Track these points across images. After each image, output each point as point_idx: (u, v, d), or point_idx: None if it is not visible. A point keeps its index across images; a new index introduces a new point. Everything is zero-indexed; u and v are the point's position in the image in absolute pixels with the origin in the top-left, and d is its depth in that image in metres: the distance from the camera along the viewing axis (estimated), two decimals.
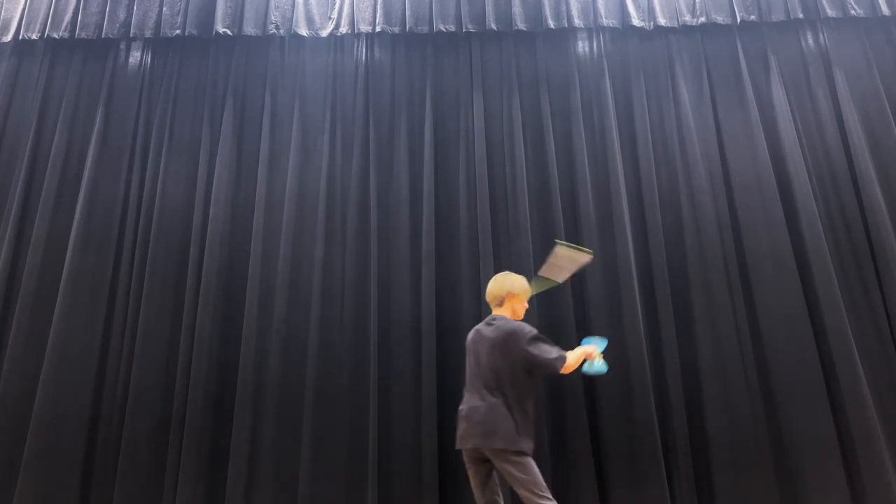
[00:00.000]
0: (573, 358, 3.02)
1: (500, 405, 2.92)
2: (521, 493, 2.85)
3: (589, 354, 3.06)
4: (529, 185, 4.67)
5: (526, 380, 2.98)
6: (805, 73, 4.97)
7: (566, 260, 3.32)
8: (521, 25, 4.92)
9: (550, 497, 2.80)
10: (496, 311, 3.21)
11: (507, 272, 3.32)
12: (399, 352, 4.33)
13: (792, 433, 4.08)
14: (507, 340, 3.00)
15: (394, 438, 4.17)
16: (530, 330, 3.04)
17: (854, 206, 4.56)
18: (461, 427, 3.02)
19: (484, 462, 2.99)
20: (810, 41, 5.06)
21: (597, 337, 3.16)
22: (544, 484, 2.84)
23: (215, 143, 4.84)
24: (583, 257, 3.29)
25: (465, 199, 4.66)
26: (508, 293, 3.18)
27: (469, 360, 3.14)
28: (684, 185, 4.67)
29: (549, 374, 3.08)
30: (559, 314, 4.34)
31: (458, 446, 3.04)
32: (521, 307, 3.22)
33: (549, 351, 3.00)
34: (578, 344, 4.22)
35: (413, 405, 4.21)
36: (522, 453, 2.87)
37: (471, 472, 3.03)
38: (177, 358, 4.34)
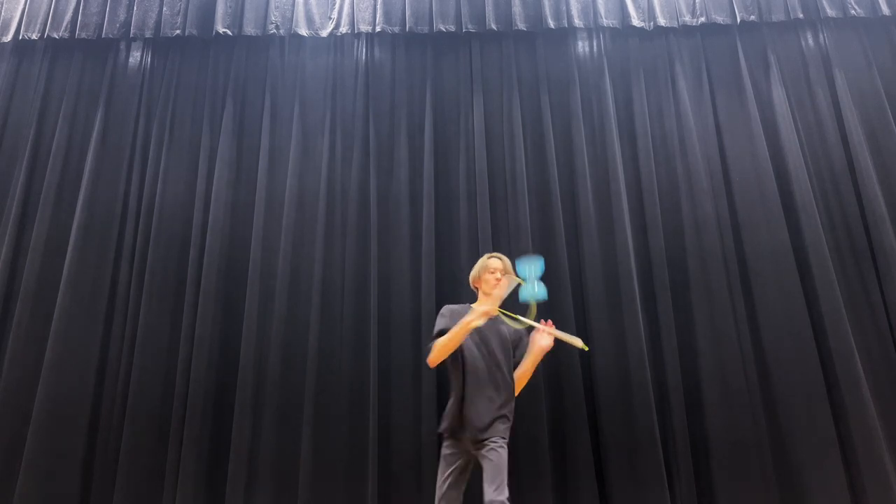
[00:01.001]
0: (443, 340, 2.87)
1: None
2: None
3: (467, 326, 2.80)
4: (529, 185, 4.67)
5: (451, 363, 3.02)
6: (805, 73, 4.97)
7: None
8: (521, 25, 4.92)
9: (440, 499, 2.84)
10: None
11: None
12: (399, 351, 4.33)
13: (792, 433, 4.08)
14: None
15: (394, 438, 4.17)
16: (442, 312, 3.09)
17: (854, 206, 4.56)
18: None
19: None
20: (810, 41, 5.06)
21: (526, 258, 2.90)
22: (443, 482, 2.87)
23: (215, 143, 4.84)
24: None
25: (465, 199, 4.65)
26: (472, 283, 3.28)
27: None
28: (684, 185, 4.67)
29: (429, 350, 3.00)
30: (559, 314, 4.34)
31: None
32: (489, 286, 3.13)
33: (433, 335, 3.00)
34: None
35: (413, 405, 4.21)
36: (441, 436, 2.96)
37: None
38: (177, 358, 4.34)
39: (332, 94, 4.99)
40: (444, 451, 2.94)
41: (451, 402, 3.00)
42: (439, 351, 2.89)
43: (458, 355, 2.99)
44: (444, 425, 2.98)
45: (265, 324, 4.41)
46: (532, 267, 2.87)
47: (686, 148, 4.74)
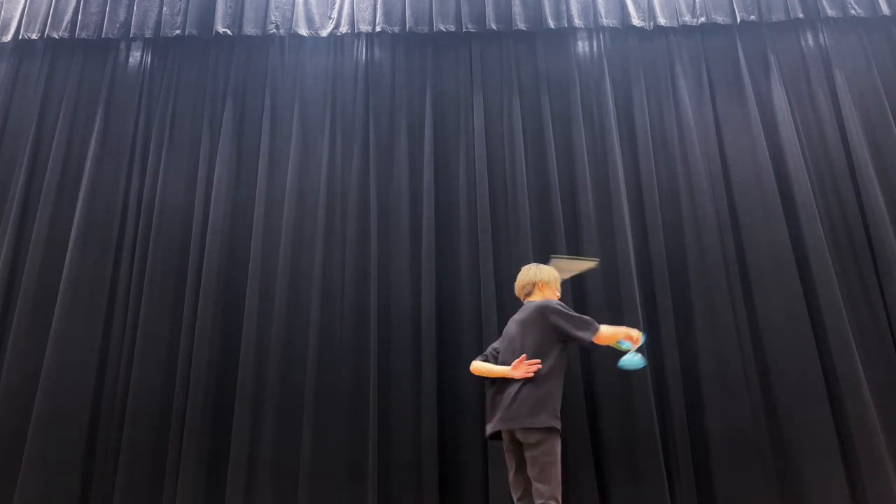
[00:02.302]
0: (610, 331, 3.06)
1: (524, 385, 2.98)
2: (535, 485, 2.84)
3: (629, 336, 3.06)
4: (529, 185, 4.67)
5: (554, 354, 3.03)
6: (805, 73, 4.97)
7: (565, 270, 3.40)
8: (521, 25, 4.92)
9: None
10: (526, 301, 3.31)
11: (534, 264, 3.43)
12: (399, 351, 4.33)
13: (792, 433, 4.08)
14: (535, 316, 3.09)
15: (394, 438, 4.16)
16: (558, 303, 3.14)
17: (854, 206, 4.55)
18: (489, 413, 3.12)
19: (519, 447, 3.00)
20: (810, 41, 5.05)
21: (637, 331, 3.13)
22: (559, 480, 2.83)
23: (215, 143, 4.84)
24: (583, 265, 3.35)
25: (465, 199, 4.66)
26: (536, 282, 3.29)
27: (501, 348, 3.25)
28: (684, 185, 4.67)
29: (581, 345, 3.11)
30: None
31: (487, 433, 3.11)
32: (553, 295, 3.28)
33: (581, 320, 3.07)
34: (579, 348, 4.27)
35: (413, 405, 4.21)
36: (544, 430, 2.89)
37: (507, 458, 3.08)
38: (177, 358, 4.34)
39: (332, 94, 4.99)
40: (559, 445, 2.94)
41: (556, 397, 2.99)
42: (608, 338, 3.06)
43: (565, 353, 3.08)
44: (555, 420, 2.94)
45: (265, 323, 4.41)
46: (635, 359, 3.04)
47: (686, 148, 4.74)
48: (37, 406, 4.18)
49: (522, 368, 3.00)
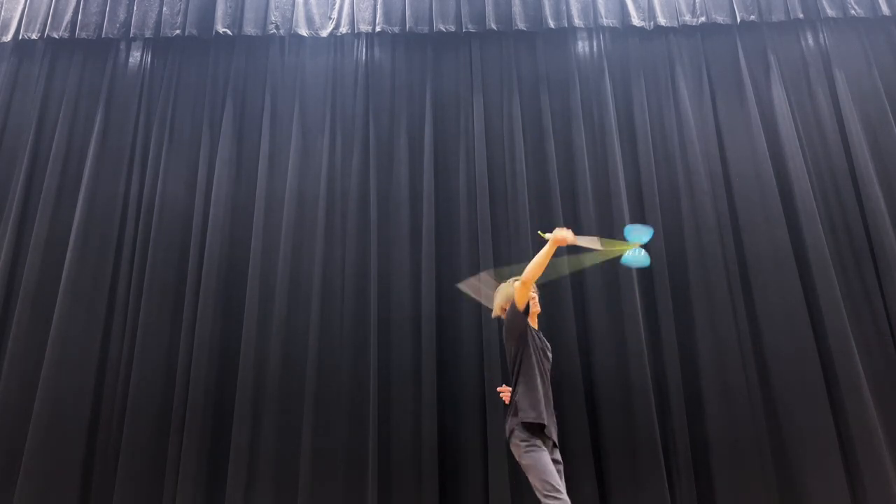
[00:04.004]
0: (526, 275, 2.99)
1: (514, 391, 3.01)
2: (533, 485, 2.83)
3: (561, 241, 3.00)
4: (529, 185, 4.67)
5: (520, 356, 3.01)
6: (805, 73, 4.97)
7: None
8: (521, 25, 4.92)
9: (560, 496, 2.74)
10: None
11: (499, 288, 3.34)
12: (399, 352, 4.33)
13: (792, 433, 4.08)
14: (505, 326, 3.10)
15: (394, 438, 4.16)
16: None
17: (854, 206, 4.55)
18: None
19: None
20: (810, 41, 5.05)
21: (637, 226, 3.13)
22: (551, 470, 2.80)
23: (215, 143, 4.84)
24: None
25: (465, 199, 4.66)
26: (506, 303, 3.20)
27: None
28: (684, 185, 4.67)
29: (519, 313, 3.03)
30: (559, 314, 4.34)
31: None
32: (535, 303, 3.19)
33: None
34: (579, 349, 4.27)
35: (413, 405, 4.21)
36: (525, 436, 2.87)
37: None
38: (177, 358, 4.34)
39: (332, 94, 4.99)
40: (536, 443, 2.87)
41: (533, 397, 2.93)
42: (533, 270, 2.99)
43: (533, 353, 3.01)
44: (536, 418, 2.90)
45: (265, 324, 4.41)
46: (640, 234, 3.05)
47: (686, 148, 4.74)
48: (37, 406, 4.18)
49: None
